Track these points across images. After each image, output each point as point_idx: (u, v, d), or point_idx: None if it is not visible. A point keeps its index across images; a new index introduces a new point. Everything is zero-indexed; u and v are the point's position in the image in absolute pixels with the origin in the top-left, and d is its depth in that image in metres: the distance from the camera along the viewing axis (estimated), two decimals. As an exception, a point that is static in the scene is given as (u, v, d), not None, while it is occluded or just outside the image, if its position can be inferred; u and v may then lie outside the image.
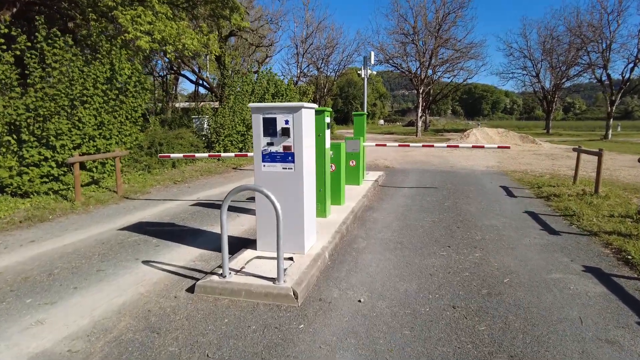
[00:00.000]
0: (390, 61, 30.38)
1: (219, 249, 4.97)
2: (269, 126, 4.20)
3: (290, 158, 4.19)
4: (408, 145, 8.92)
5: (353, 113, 9.79)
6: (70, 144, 8.31)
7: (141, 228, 6.05)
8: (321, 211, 5.90)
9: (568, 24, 33.13)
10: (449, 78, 37.39)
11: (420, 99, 30.26)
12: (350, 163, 8.81)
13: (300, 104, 4.03)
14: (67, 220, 6.61)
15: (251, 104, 4.22)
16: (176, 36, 11.86)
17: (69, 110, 8.28)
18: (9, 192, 7.46)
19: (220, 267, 3.98)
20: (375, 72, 10.24)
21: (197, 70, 32.02)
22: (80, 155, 8.61)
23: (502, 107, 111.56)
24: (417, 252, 4.82)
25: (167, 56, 12.44)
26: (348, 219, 5.90)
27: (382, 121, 77.06)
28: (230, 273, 3.84)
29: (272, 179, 4.28)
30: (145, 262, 4.60)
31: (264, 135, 4.24)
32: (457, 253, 4.80)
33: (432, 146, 8.54)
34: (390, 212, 6.87)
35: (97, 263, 4.60)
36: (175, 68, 31.35)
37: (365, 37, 64.47)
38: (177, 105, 33.43)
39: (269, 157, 4.27)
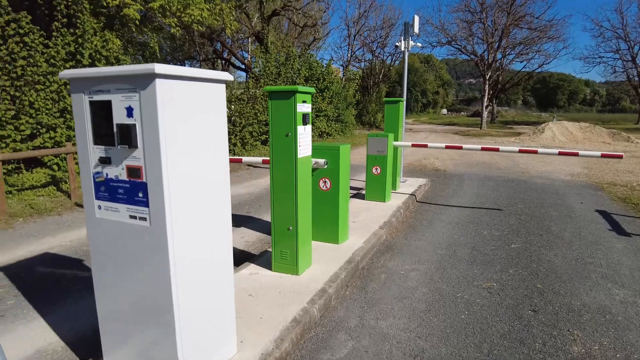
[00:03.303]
0: (453, 43, 26.64)
1: (89, 327, 2.76)
2: (102, 121, 1.86)
3: (141, 195, 1.82)
4: (460, 148, 6.20)
5: (384, 99, 7.16)
6: (15, 134, 6.56)
7: (26, 269, 4.01)
8: (290, 265, 3.49)
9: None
10: (521, 62, 32.59)
11: (487, 86, 26.28)
12: (374, 170, 6.25)
13: (150, 66, 1.63)
14: (-40, 243, 4.78)
15: (63, 72, 1.89)
16: (178, 5, 9.85)
17: (12, 93, 6.50)
18: None
19: None
20: (420, 45, 7.60)
21: (244, 55, 30.47)
22: (31, 148, 6.86)
23: (580, 98, 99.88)
24: (445, 394, 2.26)
25: (172, 30, 10.49)
26: (336, 280, 3.43)
27: (445, 110, 71.92)
28: None
29: (113, 238, 1.95)
30: None
31: (95, 142, 1.91)
32: (536, 406, 2.18)
33: (497, 150, 5.77)
34: (420, 259, 4.28)
35: None
36: (219, 52, 29.92)
37: (426, 17, 59.61)
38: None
39: (104, 190, 1.94)
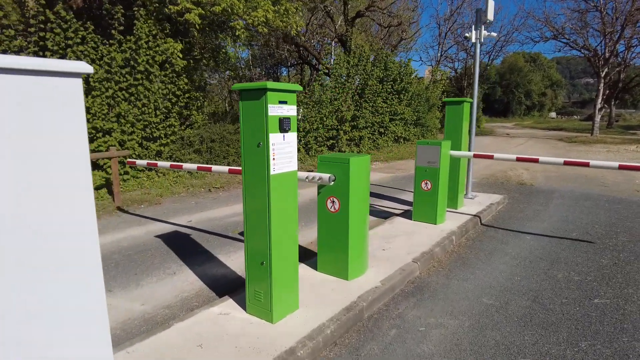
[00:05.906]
0: (559, 36, 23.25)
1: None
2: None
3: None
4: (536, 161, 4.88)
5: (445, 99, 6.05)
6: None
7: None
8: (263, 309, 2.77)
9: None
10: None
11: (602, 85, 22.48)
12: (423, 185, 5.22)
13: None
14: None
15: None
16: (244, 8, 9.69)
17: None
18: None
19: None
20: (494, 34, 6.28)
21: (329, 60, 30.29)
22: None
23: None
24: None
25: (237, 33, 10.40)
26: (317, 337, 2.61)
27: (553, 114, 64.40)
28: None
29: None
30: None
31: None
32: None
33: (586, 165, 4.37)
34: (454, 309, 3.24)
35: None
36: (305, 57, 30.07)
37: (527, 10, 54.03)
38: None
39: None
